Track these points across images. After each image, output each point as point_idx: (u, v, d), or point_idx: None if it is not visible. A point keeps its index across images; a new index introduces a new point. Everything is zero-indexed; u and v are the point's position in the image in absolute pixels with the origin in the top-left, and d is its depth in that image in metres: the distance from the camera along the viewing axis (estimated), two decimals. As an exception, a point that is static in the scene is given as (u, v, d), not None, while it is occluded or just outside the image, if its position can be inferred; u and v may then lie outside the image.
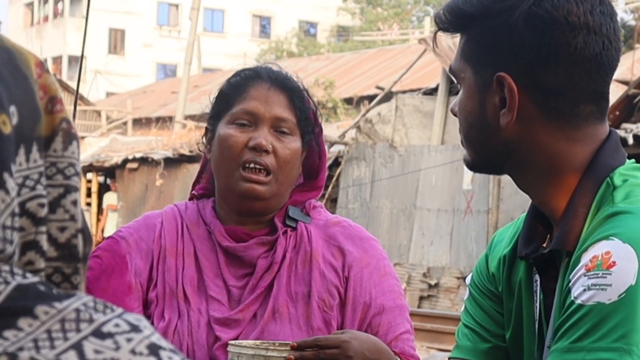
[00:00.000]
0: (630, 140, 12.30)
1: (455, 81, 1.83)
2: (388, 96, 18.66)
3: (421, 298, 15.65)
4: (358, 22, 50.20)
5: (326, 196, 17.11)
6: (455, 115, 1.82)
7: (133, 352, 0.86)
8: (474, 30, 1.74)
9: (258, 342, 2.19)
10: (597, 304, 1.56)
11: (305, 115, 2.42)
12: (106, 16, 51.13)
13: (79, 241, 0.98)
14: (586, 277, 1.58)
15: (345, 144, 17.58)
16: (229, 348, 2.17)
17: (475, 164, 1.81)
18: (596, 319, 1.56)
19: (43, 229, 0.95)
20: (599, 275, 1.57)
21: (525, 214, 1.86)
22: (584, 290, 1.58)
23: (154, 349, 0.87)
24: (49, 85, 0.99)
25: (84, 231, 0.99)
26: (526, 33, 1.68)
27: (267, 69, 2.46)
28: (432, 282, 15.59)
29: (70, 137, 1.00)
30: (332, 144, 17.55)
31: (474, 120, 1.75)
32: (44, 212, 0.95)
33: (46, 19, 54.43)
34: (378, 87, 20.65)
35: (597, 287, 1.56)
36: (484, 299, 1.92)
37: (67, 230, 0.98)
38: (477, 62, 1.74)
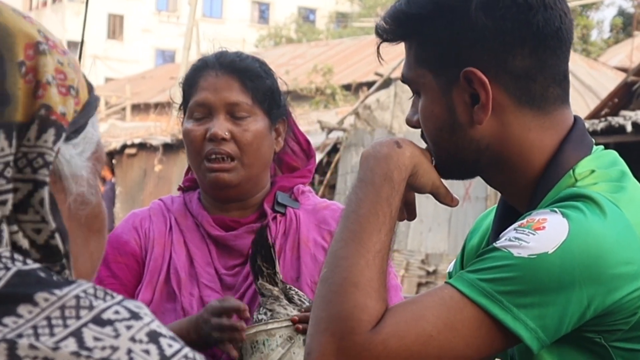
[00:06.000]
0: (629, 128, 12.27)
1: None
2: (387, 83, 18.62)
3: (419, 284, 15.65)
4: (357, 9, 50.05)
5: (324, 182, 17.10)
6: (412, 127, 1.76)
7: (133, 339, 0.85)
8: (427, 32, 1.68)
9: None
10: (506, 252, 1.53)
11: (264, 91, 2.39)
12: (105, 1, 50.96)
13: (57, 240, 0.95)
14: (514, 231, 1.56)
15: (344, 130, 17.55)
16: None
17: (447, 169, 1.75)
18: (496, 263, 1.53)
19: (14, 228, 0.92)
20: (525, 232, 1.54)
21: (497, 204, 1.85)
22: (505, 239, 1.56)
23: (153, 336, 0.86)
24: (39, 68, 0.95)
25: (60, 229, 0.95)
26: (487, 21, 1.63)
27: (217, 55, 2.43)
28: (430, 269, 15.58)
29: (47, 125, 0.95)
30: (330, 131, 17.53)
31: (443, 124, 1.69)
32: (6, 209, 0.92)
33: (45, 4, 54.26)
34: (377, 74, 20.62)
35: (517, 240, 1.54)
36: None
37: (42, 232, 0.94)
38: (437, 64, 1.68)
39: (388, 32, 1.73)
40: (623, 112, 13.02)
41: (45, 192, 0.94)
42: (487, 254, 1.56)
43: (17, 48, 0.95)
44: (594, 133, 12.53)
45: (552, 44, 1.65)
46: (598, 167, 1.67)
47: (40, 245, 0.94)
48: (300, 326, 2.15)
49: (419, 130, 1.76)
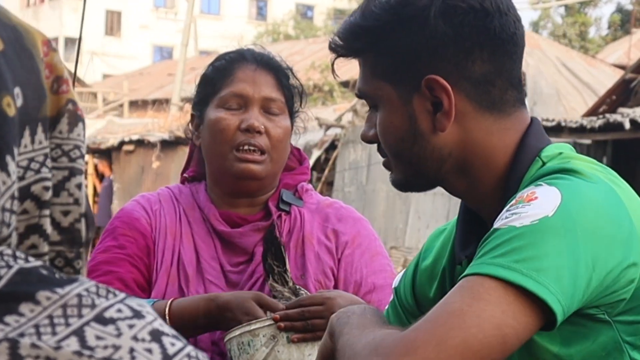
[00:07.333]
0: (627, 125, 12.28)
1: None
2: (385, 79, 18.63)
3: (417, 281, 15.65)
4: (355, 5, 49.99)
5: (322, 179, 17.10)
6: (369, 142, 1.76)
7: (135, 338, 0.84)
8: (385, 43, 1.69)
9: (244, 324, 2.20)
10: (508, 227, 1.52)
11: (292, 93, 2.46)
12: (102, -2, 50.96)
13: (82, 226, 0.98)
14: (507, 212, 1.56)
15: (342, 127, 17.55)
16: (225, 341, 2.20)
17: (408, 181, 1.76)
18: (502, 239, 1.52)
19: (47, 212, 0.94)
20: (519, 207, 1.54)
21: (456, 218, 1.83)
22: (502, 219, 1.55)
23: (156, 335, 0.86)
24: (56, 65, 0.98)
25: (87, 215, 0.98)
26: (447, 29, 1.65)
27: (251, 50, 2.47)
28: (428, 266, 15.60)
29: (76, 119, 0.98)
30: (328, 127, 17.53)
31: (405, 133, 1.69)
32: (48, 195, 0.94)
33: (42, 0, 54.21)
34: (375, 70, 20.61)
35: (514, 214, 1.53)
36: (404, 312, 1.92)
37: (70, 214, 0.97)
38: (395, 75, 1.68)
39: (344, 48, 1.74)
40: (621, 109, 13.04)
41: (82, 178, 0.97)
42: (490, 237, 1.55)
43: (39, 45, 0.97)
44: (591, 130, 12.54)
45: (508, 48, 1.68)
46: (564, 151, 1.69)
47: (64, 228, 0.96)
48: (282, 324, 2.15)
49: None
